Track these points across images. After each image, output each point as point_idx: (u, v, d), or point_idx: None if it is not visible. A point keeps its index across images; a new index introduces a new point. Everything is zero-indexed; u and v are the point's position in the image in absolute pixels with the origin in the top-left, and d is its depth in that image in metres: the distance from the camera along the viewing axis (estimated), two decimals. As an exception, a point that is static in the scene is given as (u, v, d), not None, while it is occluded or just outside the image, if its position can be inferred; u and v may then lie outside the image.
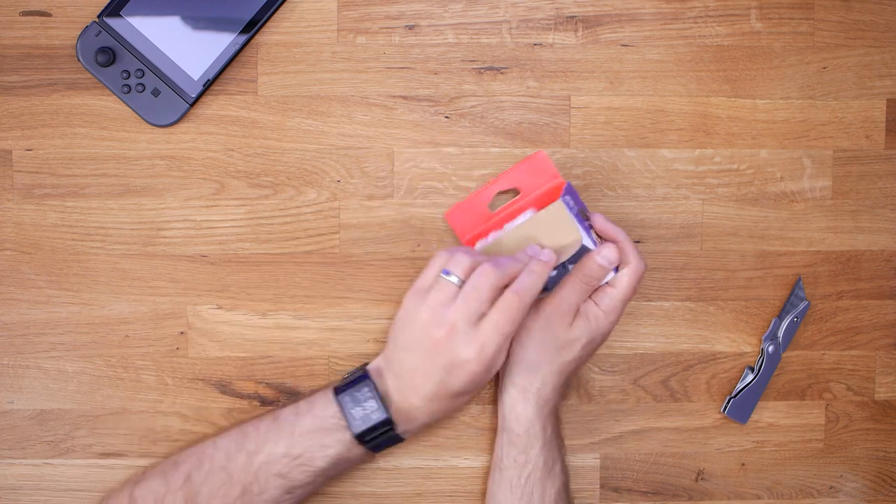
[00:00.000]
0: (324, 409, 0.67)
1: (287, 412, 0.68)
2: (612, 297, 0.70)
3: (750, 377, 0.78)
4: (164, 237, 0.75)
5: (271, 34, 0.75)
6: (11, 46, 0.74)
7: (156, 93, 0.73)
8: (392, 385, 0.68)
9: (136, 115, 0.74)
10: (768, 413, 0.79)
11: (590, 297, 0.71)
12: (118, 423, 0.76)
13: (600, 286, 0.71)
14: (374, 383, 0.68)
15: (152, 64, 0.73)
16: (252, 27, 0.73)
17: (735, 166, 0.78)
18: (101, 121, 0.74)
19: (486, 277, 0.66)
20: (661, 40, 0.77)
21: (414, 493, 0.77)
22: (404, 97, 0.76)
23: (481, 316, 0.65)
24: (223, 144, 0.75)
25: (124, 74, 0.73)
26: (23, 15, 0.74)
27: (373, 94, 0.76)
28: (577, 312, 0.71)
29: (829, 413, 0.80)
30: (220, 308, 0.76)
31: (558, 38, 0.76)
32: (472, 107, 0.76)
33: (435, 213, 0.76)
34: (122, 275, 0.75)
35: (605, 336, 0.72)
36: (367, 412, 0.66)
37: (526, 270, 0.67)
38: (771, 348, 0.78)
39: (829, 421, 0.80)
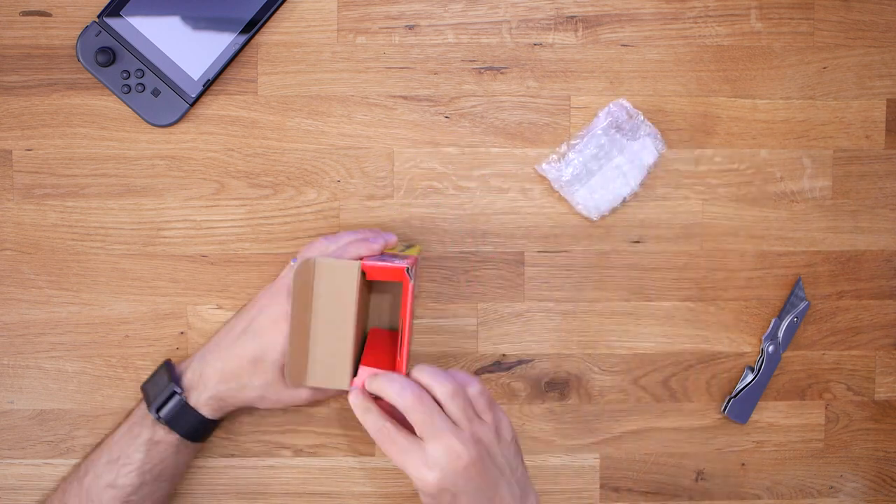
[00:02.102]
0: (136, 409, 0.72)
1: (110, 433, 0.72)
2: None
3: (750, 377, 0.78)
4: (164, 237, 0.75)
5: (271, 34, 0.75)
6: (11, 46, 0.74)
7: (156, 93, 0.73)
8: (196, 358, 0.71)
9: (136, 115, 0.74)
10: (768, 413, 0.79)
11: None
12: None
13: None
14: (170, 364, 0.72)
15: (152, 64, 0.73)
16: (252, 27, 0.73)
17: (735, 166, 0.78)
18: (101, 121, 0.74)
19: (312, 249, 0.70)
20: (661, 40, 0.77)
21: (414, 493, 0.77)
22: (404, 97, 0.76)
23: None
24: (223, 144, 0.75)
25: (124, 74, 0.73)
26: (23, 15, 0.74)
27: (373, 94, 0.76)
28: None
29: (829, 413, 0.80)
30: (220, 308, 0.76)
31: (558, 38, 0.76)
32: (472, 107, 0.76)
33: (435, 214, 0.76)
34: (122, 275, 0.75)
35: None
36: (159, 387, 0.70)
37: (349, 242, 0.70)
38: (771, 348, 0.78)
39: (829, 421, 0.80)
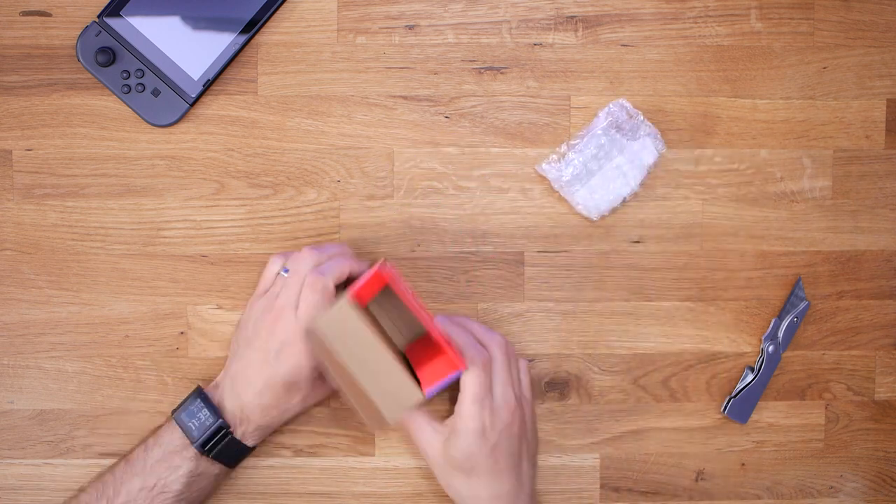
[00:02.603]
0: (168, 435, 0.70)
1: (137, 451, 0.71)
2: (461, 402, 0.69)
3: (750, 377, 0.78)
4: (164, 237, 0.75)
5: (271, 34, 0.75)
6: (11, 46, 0.74)
7: (156, 93, 0.73)
8: (227, 389, 0.70)
9: (136, 115, 0.74)
10: (768, 413, 0.79)
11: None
12: (118, 423, 0.76)
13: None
14: (205, 395, 0.70)
15: (152, 64, 0.73)
16: (252, 27, 0.73)
17: (735, 166, 0.78)
18: (101, 121, 0.74)
19: (302, 260, 0.69)
20: (661, 40, 0.77)
21: (414, 493, 0.77)
22: (404, 97, 0.76)
23: None
24: (223, 144, 0.75)
25: (124, 74, 0.73)
26: (23, 15, 0.74)
27: (373, 94, 0.76)
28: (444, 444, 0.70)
29: (829, 413, 0.80)
30: (220, 308, 0.76)
31: (558, 38, 0.76)
32: (472, 107, 0.76)
33: (435, 214, 0.76)
34: (122, 275, 0.75)
35: (483, 439, 0.68)
36: (201, 421, 0.69)
37: (338, 254, 0.71)
38: (771, 348, 0.78)
39: (829, 421, 0.80)
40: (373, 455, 0.77)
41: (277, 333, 0.68)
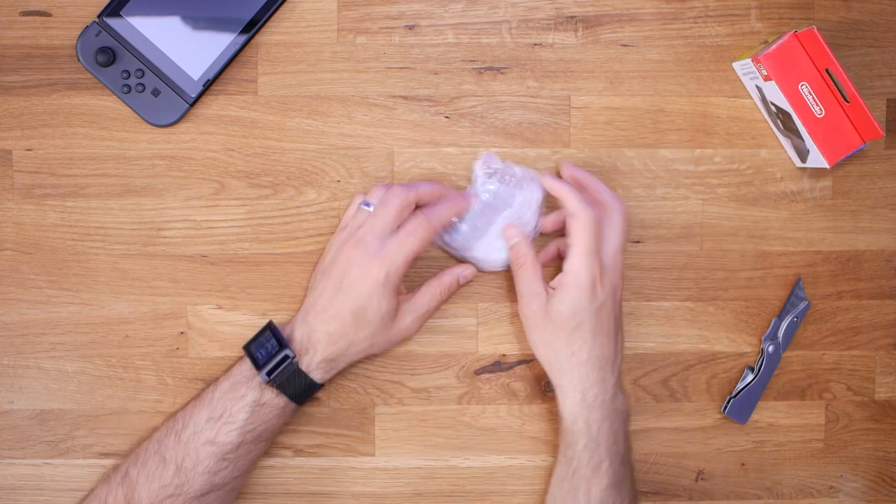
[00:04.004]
0: (237, 367, 0.71)
1: (207, 389, 0.71)
2: (571, 256, 0.70)
3: (750, 377, 0.78)
4: (164, 237, 0.75)
5: (271, 34, 0.75)
6: (11, 46, 0.74)
7: (156, 93, 0.73)
8: (299, 319, 0.71)
9: (136, 115, 0.74)
10: (768, 413, 0.79)
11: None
12: (118, 423, 0.76)
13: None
14: (275, 327, 0.71)
15: (152, 64, 0.73)
16: (252, 27, 0.73)
17: (735, 166, 0.78)
18: (101, 121, 0.74)
19: (395, 196, 0.70)
20: (661, 40, 0.77)
21: (414, 493, 0.77)
22: (404, 97, 0.76)
23: (392, 231, 0.69)
24: (223, 144, 0.75)
25: (124, 74, 0.73)
26: (23, 15, 0.74)
27: (373, 94, 0.76)
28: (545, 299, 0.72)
29: (829, 413, 0.80)
30: (220, 308, 0.76)
31: (558, 38, 0.76)
32: (472, 107, 0.76)
33: (435, 213, 0.76)
34: (122, 275, 0.75)
35: (596, 296, 0.70)
36: (268, 350, 0.69)
37: (443, 199, 0.72)
38: (771, 348, 0.78)
39: (829, 421, 0.80)
40: (373, 455, 0.77)
41: (354, 261, 0.69)
